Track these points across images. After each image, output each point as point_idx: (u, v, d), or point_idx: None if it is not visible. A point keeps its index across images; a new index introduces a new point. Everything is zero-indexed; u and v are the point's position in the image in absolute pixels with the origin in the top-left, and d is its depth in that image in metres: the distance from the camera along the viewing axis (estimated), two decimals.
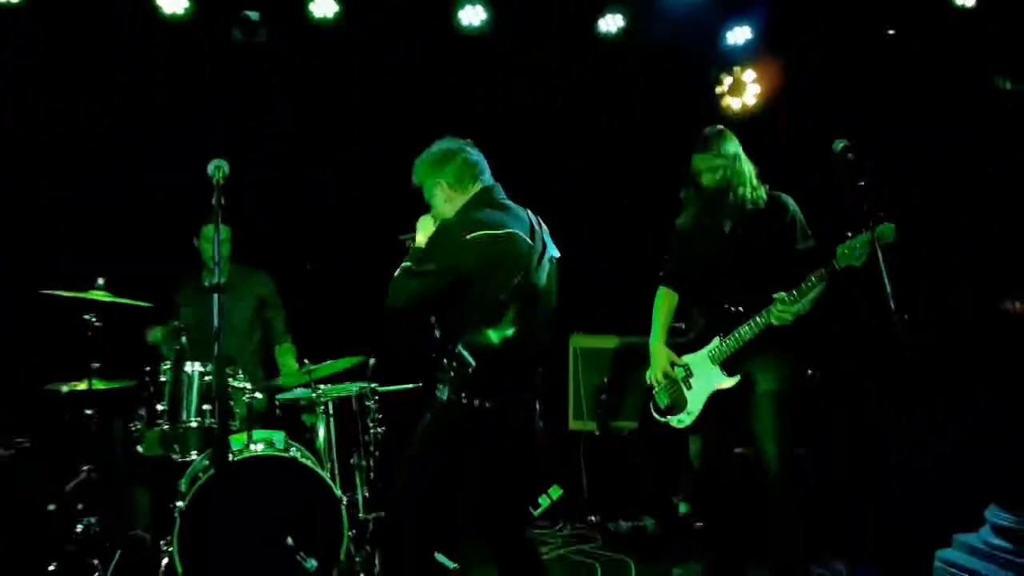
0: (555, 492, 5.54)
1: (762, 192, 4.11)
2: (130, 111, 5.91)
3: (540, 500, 5.50)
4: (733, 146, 4.13)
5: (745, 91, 6.44)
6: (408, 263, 3.54)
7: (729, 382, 4.04)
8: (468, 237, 3.41)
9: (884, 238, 3.70)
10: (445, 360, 3.48)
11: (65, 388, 4.61)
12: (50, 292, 4.54)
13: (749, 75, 6.44)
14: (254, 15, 5.88)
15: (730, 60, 6.45)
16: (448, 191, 3.63)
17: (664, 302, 4.36)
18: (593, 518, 5.61)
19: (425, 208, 3.74)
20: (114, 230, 5.77)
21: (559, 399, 5.88)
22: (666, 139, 6.32)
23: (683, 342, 4.24)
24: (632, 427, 5.64)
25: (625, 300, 6.18)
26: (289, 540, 4.09)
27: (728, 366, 4.04)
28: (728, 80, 6.46)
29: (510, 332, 3.44)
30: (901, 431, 4.73)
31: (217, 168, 3.64)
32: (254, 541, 4.08)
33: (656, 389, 4.26)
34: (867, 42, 6.09)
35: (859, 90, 6.01)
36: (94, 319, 4.59)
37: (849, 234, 3.78)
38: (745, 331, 3.98)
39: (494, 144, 5.47)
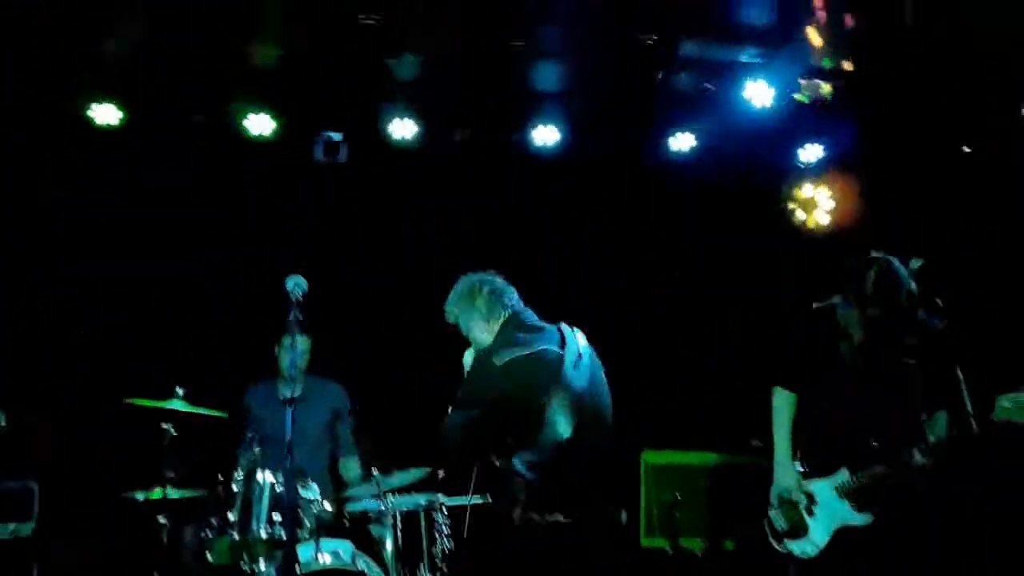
0: None
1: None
2: (215, 227, 6.16)
3: None
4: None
5: (817, 208, 6.45)
6: (455, 411, 3.66)
7: (859, 519, 3.73)
8: (499, 364, 3.56)
9: None
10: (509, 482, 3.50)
11: (141, 496, 4.69)
12: (133, 402, 4.69)
13: (821, 192, 6.46)
14: (336, 135, 6.15)
15: (802, 177, 6.48)
16: (483, 323, 3.80)
17: (786, 407, 3.97)
18: None
19: None
20: (193, 341, 5.96)
21: (631, 516, 5.76)
22: (738, 259, 6.35)
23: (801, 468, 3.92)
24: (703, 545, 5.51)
25: (697, 415, 6.15)
26: None
27: (860, 503, 3.73)
28: (800, 197, 6.49)
29: (559, 436, 3.44)
30: None
31: (296, 285, 3.80)
32: None
33: (774, 510, 3.96)
34: (943, 159, 6.07)
35: (935, 208, 5.96)
36: (172, 428, 4.70)
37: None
38: (881, 471, 3.68)
39: (569, 266, 5.60)
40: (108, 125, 5.73)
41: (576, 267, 6.51)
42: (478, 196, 6.47)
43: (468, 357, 3.88)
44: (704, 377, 6.27)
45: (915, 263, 3.80)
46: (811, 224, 6.49)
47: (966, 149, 6.10)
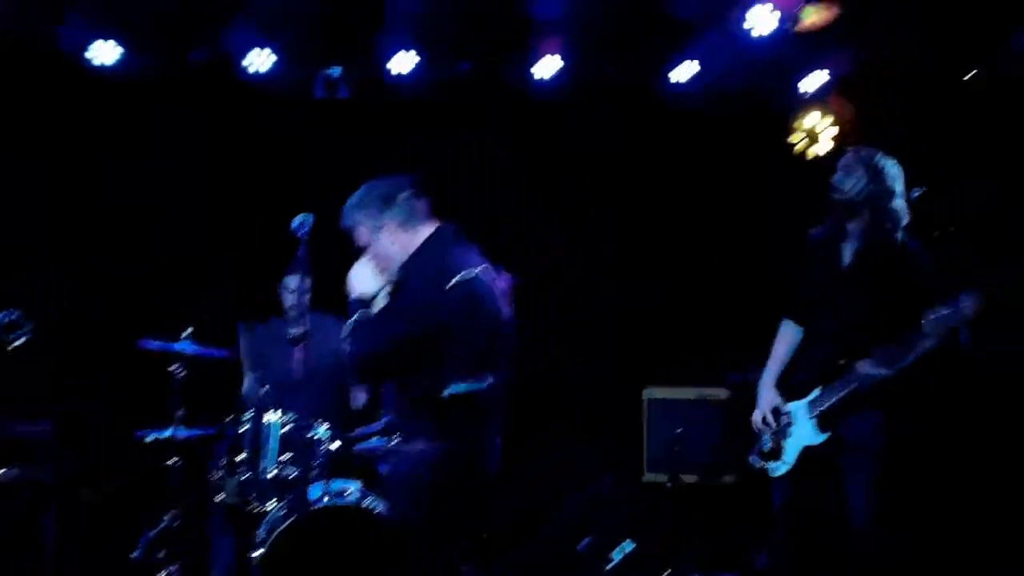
0: (627, 546, 5.50)
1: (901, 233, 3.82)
2: (218, 166, 6.13)
3: (612, 554, 5.47)
4: (894, 168, 3.85)
5: (820, 138, 6.39)
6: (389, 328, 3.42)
7: (818, 439, 3.88)
8: (449, 284, 3.31)
9: (964, 315, 3.55)
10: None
11: (150, 437, 4.76)
12: (142, 345, 4.74)
13: (824, 122, 6.39)
14: (336, 71, 6.07)
15: (805, 106, 6.41)
16: (399, 233, 3.52)
17: (783, 338, 4.16)
18: (667, 572, 5.54)
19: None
20: (199, 283, 5.99)
21: (634, 451, 5.85)
22: (740, 189, 6.32)
23: (794, 386, 4.06)
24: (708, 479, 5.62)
25: (699, 351, 6.19)
26: None
27: (823, 422, 3.86)
28: (803, 126, 6.42)
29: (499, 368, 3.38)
30: None
31: (302, 223, 3.80)
32: None
33: (763, 433, 4.11)
34: (948, 85, 5.99)
35: (940, 135, 5.91)
36: (180, 369, 4.76)
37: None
38: (840, 387, 3.79)
39: (572, 193, 5.58)
40: (104, 65, 5.65)
41: (577, 199, 6.49)
42: (479, 128, 6.41)
43: (363, 273, 3.56)
44: (705, 311, 6.29)
45: (915, 192, 3.85)
46: (814, 154, 6.43)
47: (971, 74, 6.01)
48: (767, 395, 4.12)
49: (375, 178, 3.66)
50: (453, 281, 3.33)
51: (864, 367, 3.75)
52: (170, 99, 6.00)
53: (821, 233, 4.06)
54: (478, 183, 6.44)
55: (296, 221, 3.83)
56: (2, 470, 4.63)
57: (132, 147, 6.03)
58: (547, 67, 6.02)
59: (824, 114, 6.37)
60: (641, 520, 5.63)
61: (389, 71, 5.94)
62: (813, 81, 6.27)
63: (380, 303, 3.59)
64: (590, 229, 6.47)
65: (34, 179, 5.90)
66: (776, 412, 4.06)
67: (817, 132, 6.38)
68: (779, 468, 4.03)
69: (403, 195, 3.56)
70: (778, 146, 6.42)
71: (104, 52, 5.61)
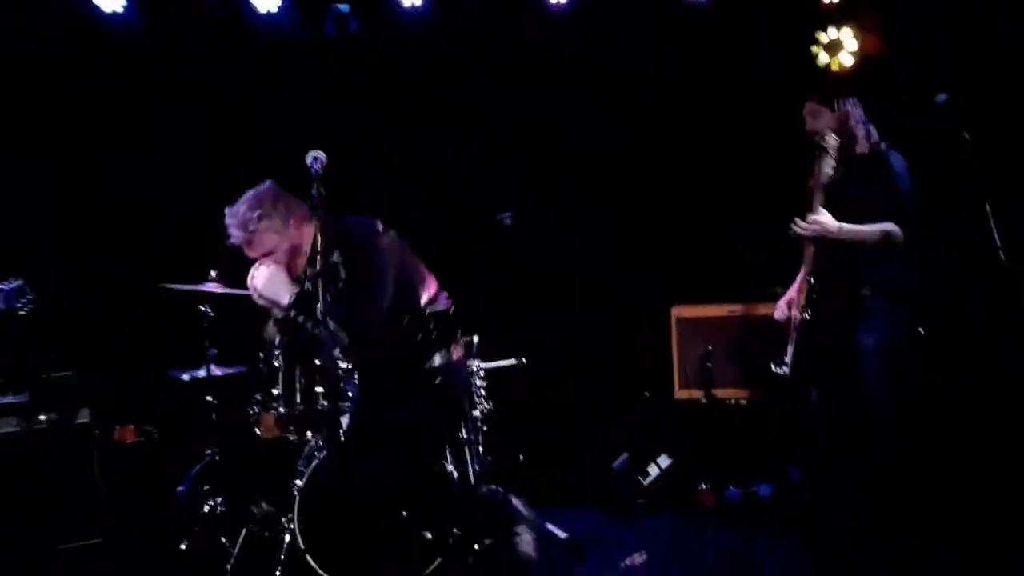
0: (664, 461, 5.55)
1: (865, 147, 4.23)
2: (231, 109, 6.12)
3: (648, 469, 5.52)
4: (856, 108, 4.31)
5: (843, 49, 6.26)
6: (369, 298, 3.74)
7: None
8: (382, 243, 3.81)
9: None
10: None
11: (186, 376, 4.85)
12: (168, 286, 4.81)
13: (846, 33, 6.26)
14: (344, 8, 6.02)
15: (827, 17, 6.28)
16: (285, 228, 3.80)
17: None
18: (703, 486, 5.58)
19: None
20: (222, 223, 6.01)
21: (664, 369, 5.88)
22: (765, 102, 6.21)
23: None
24: (739, 395, 5.65)
25: (725, 268, 6.17)
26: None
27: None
28: (825, 38, 6.29)
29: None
30: None
31: (315, 159, 3.77)
32: (370, 514, 4.21)
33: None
34: None
35: (961, 44, 5.79)
36: (209, 310, 4.82)
37: None
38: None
39: (594, 109, 5.49)
40: (113, 11, 5.65)
41: (595, 123, 6.42)
42: (491, 56, 6.33)
43: (273, 275, 3.79)
44: (729, 227, 6.25)
45: (940, 98, 3.95)
46: (836, 67, 6.31)
47: None
48: (790, 291, 4.53)
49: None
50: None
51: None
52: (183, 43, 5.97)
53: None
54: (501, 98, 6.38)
55: (309, 157, 3.80)
56: (43, 416, 4.72)
57: (150, 91, 6.02)
58: None
59: (847, 26, 6.24)
60: (675, 436, 5.68)
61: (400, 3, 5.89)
62: None
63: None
64: (614, 148, 6.40)
65: (57, 124, 5.92)
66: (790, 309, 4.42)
67: (841, 43, 6.26)
68: (783, 368, 4.39)
69: (281, 195, 3.87)
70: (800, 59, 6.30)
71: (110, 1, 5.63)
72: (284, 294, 3.71)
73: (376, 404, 3.95)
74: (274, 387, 4.68)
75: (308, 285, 3.76)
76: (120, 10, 5.71)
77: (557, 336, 6.14)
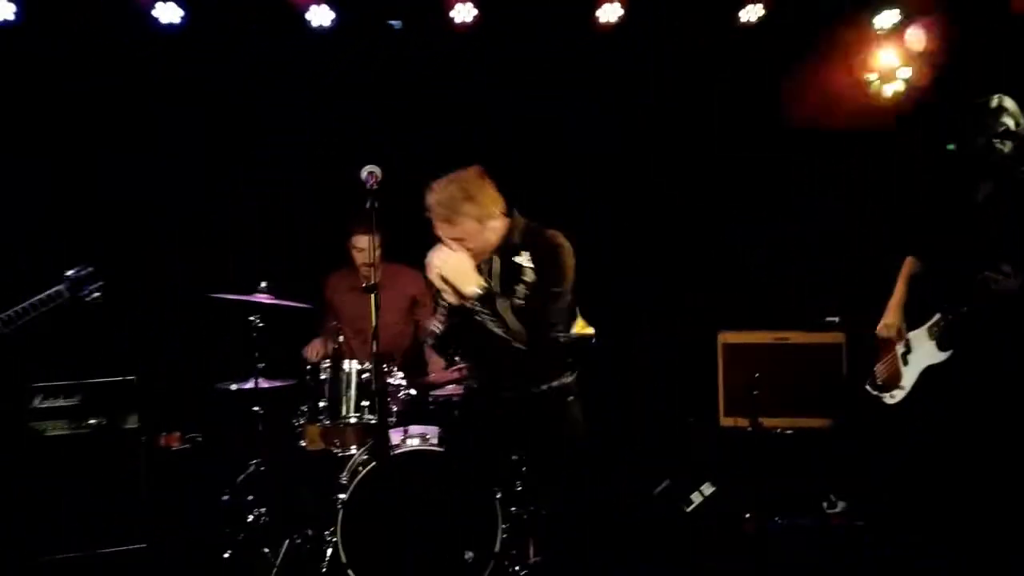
0: (707, 489, 5.48)
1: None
2: (288, 122, 6.16)
3: (692, 497, 5.46)
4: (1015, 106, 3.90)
5: (894, 77, 6.20)
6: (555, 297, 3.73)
7: (940, 356, 3.94)
8: (568, 245, 3.77)
9: None
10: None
11: (234, 386, 4.88)
12: (218, 296, 4.85)
13: (899, 58, 6.19)
14: (397, 24, 6.06)
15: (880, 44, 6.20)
16: (487, 222, 3.72)
17: (908, 268, 4.31)
18: (748, 516, 5.51)
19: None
20: (274, 235, 6.08)
21: (710, 395, 5.82)
22: (818, 133, 6.15)
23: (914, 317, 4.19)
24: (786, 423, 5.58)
25: (774, 295, 6.11)
26: (467, 555, 4.23)
27: (943, 342, 3.95)
28: (878, 65, 6.23)
29: None
30: None
31: (371, 174, 3.81)
32: (413, 531, 4.20)
33: (878, 363, 4.27)
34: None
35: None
36: (258, 321, 4.85)
37: None
38: (959, 306, 3.88)
39: (642, 136, 5.47)
40: (170, 23, 5.72)
41: (647, 148, 6.39)
42: (540, 70, 6.32)
43: (454, 259, 3.69)
44: (779, 254, 6.19)
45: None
46: (891, 94, 6.24)
47: None
48: (894, 314, 4.26)
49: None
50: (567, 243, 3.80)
51: (995, 281, 3.77)
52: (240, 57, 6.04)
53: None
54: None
55: (364, 172, 3.83)
56: (92, 420, 4.77)
57: (202, 99, 6.06)
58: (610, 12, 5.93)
59: (899, 53, 6.17)
60: (720, 464, 5.61)
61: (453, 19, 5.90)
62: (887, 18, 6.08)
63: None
64: (663, 172, 6.37)
65: (115, 132, 5.98)
66: (899, 335, 4.19)
67: (892, 71, 6.20)
68: (896, 395, 4.15)
69: (488, 182, 3.76)
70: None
71: (167, 12, 5.70)
72: (470, 284, 3.65)
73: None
74: (320, 400, 4.73)
75: (490, 282, 3.73)
76: (176, 21, 5.75)
77: (602, 360, 6.10)
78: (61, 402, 4.75)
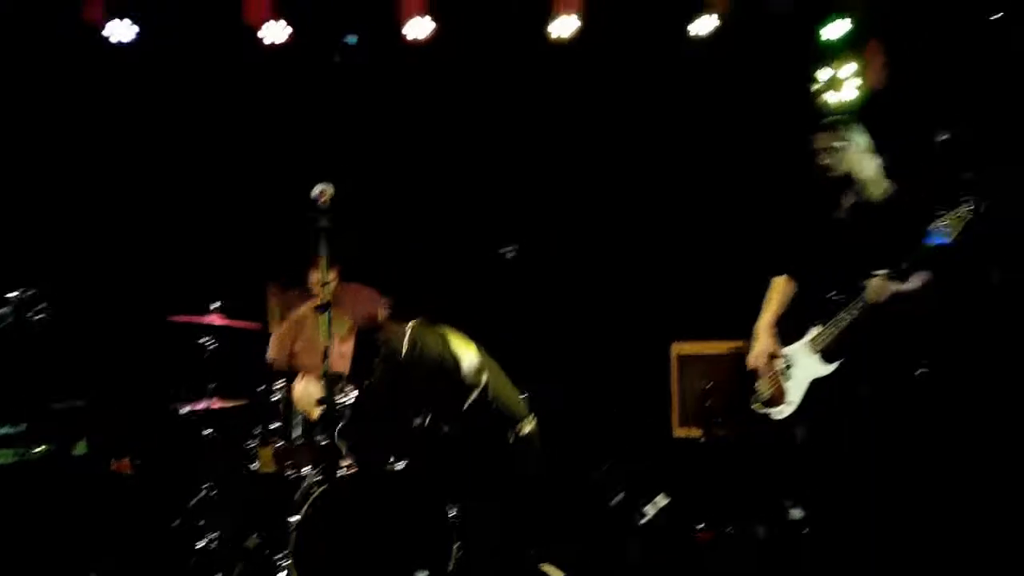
0: (661, 500, 5.51)
1: (884, 186, 3.96)
2: (240, 140, 6.14)
3: (646, 509, 5.48)
4: (861, 137, 4.01)
5: (844, 86, 6.29)
6: None
7: (827, 369, 3.94)
8: None
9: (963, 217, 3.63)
10: None
11: (185, 409, 4.83)
12: (172, 318, 4.81)
13: (847, 69, 6.28)
14: (352, 39, 6.05)
15: (827, 55, 6.30)
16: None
17: (778, 288, 4.29)
18: (701, 526, 5.55)
19: None
20: (225, 256, 6.04)
21: (663, 406, 5.85)
22: (764, 141, 6.24)
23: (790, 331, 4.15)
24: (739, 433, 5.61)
25: (725, 305, 6.15)
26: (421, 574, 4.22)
27: (828, 355, 3.94)
28: (825, 76, 6.31)
29: None
30: None
31: (322, 192, 3.80)
32: (366, 552, 4.19)
33: (759, 380, 4.22)
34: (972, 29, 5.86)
35: (962, 79, 5.79)
36: (210, 342, 4.81)
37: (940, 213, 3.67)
38: (844, 316, 3.87)
39: (594, 150, 5.51)
40: (122, 42, 5.68)
41: (598, 163, 6.44)
42: (498, 88, 6.35)
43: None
44: (730, 264, 6.25)
45: (940, 137, 4.00)
46: (838, 104, 6.32)
47: (994, 16, 5.87)
48: (764, 337, 4.23)
49: None
50: None
51: (871, 286, 3.78)
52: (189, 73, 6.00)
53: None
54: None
55: (316, 190, 3.82)
56: (40, 447, 4.71)
57: (153, 121, 6.03)
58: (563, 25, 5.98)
59: (847, 62, 6.26)
60: (674, 475, 5.65)
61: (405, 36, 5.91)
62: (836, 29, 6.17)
63: None
64: (613, 185, 6.41)
65: (61, 153, 5.93)
66: (773, 356, 4.16)
67: (841, 80, 6.28)
68: (784, 411, 4.12)
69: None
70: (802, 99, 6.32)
71: (119, 30, 5.64)
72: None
73: None
74: (272, 421, 4.71)
75: None
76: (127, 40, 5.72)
77: (555, 372, 6.12)
78: (7, 430, 4.68)
